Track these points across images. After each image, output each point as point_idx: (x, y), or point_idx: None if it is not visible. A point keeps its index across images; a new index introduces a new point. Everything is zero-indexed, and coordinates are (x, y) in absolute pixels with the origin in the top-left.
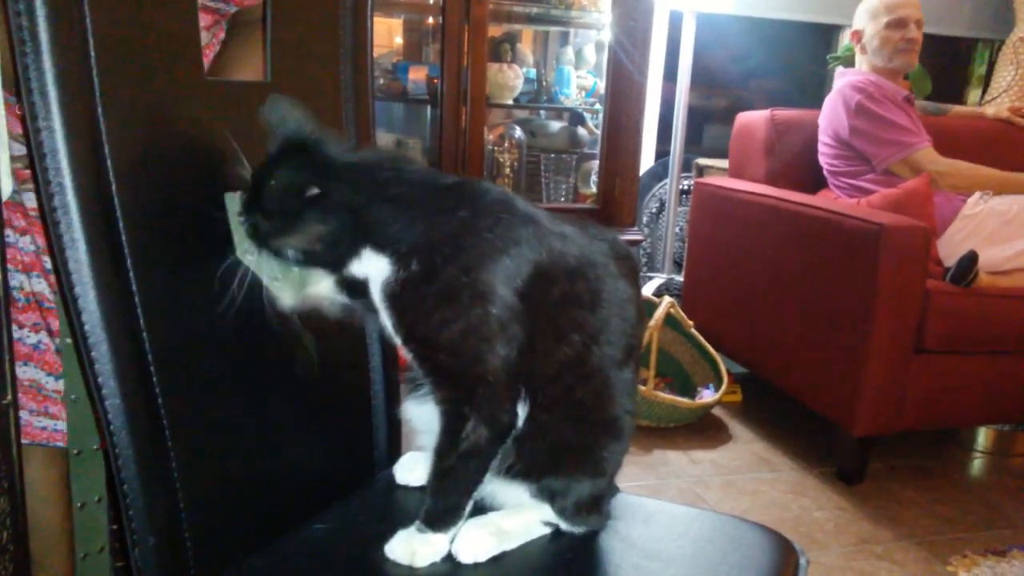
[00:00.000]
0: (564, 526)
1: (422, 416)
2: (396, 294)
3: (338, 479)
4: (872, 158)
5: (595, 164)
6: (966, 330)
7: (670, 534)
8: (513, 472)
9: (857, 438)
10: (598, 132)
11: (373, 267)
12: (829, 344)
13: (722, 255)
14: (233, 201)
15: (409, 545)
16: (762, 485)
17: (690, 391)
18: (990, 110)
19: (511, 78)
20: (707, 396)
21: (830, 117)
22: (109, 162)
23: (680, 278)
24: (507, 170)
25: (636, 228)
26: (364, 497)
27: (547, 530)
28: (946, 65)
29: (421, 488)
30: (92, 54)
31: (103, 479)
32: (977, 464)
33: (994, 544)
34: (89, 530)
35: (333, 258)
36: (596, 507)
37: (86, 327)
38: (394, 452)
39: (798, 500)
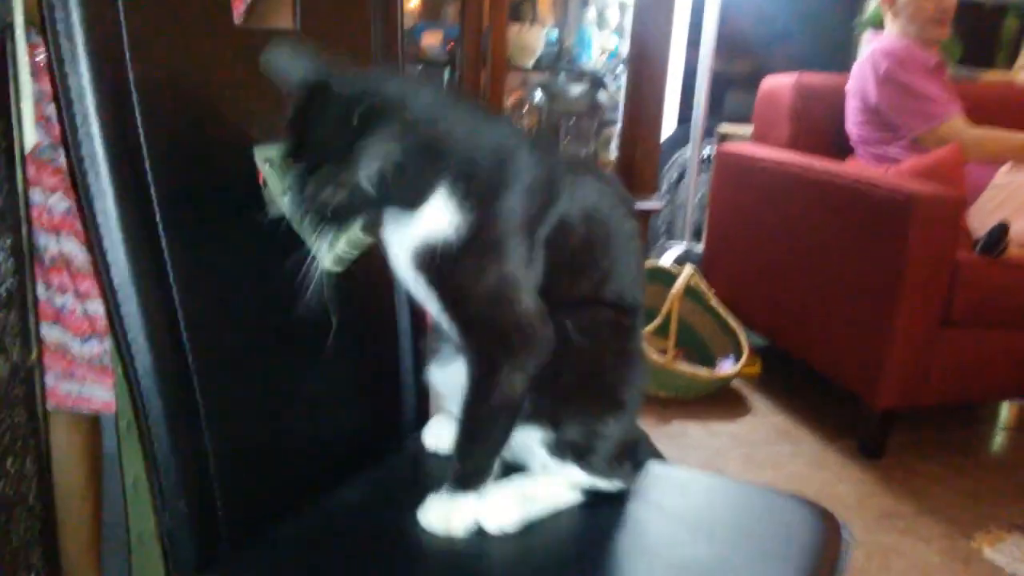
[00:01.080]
0: (593, 482)
1: (447, 380)
2: (450, 246)
3: (367, 445)
4: (901, 127)
5: (616, 130)
6: (994, 302)
7: (708, 505)
8: (527, 415)
9: (880, 411)
10: (619, 97)
11: (434, 214)
12: (853, 315)
13: (744, 224)
14: (264, 153)
15: (443, 511)
16: (782, 458)
17: (709, 362)
18: (1022, 76)
19: (532, 40)
20: (727, 367)
21: (859, 84)
22: (138, 112)
23: (700, 247)
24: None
25: (656, 196)
26: (393, 463)
27: (576, 497)
28: (975, 31)
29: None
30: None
31: None
32: (1000, 440)
33: (1019, 519)
34: (143, 508)
35: (406, 196)
36: (623, 456)
37: (115, 282)
38: (422, 418)
39: (819, 473)
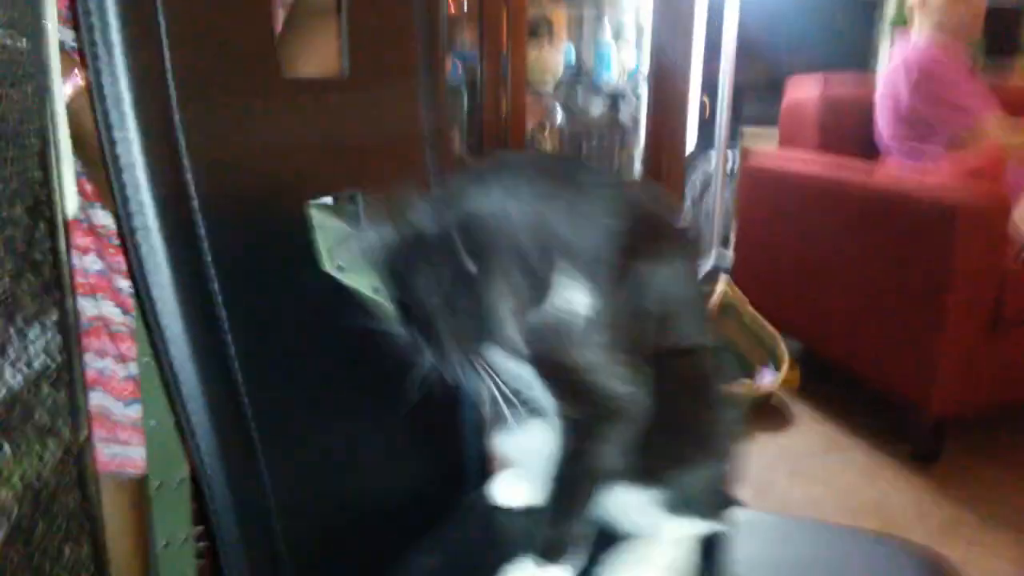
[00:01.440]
0: (699, 527)
1: (521, 446)
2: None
3: (431, 505)
4: (937, 129)
5: (638, 146)
6: None
7: (814, 557)
8: (629, 477)
9: (933, 418)
10: (641, 113)
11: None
12: (899, 323)
13: (776, 233)
14: (317, 211)
15: None
16: (833, 470)
17: (747, 374)
18: None
19: (551, 60)
20: (767, 378)
21: (890, 90)
22: (189, 174)
23: (728, 256)
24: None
25: (682, 212)
26: (462, 522)
27: (683, 553)
28: (994, 34)
29: (523, 511)
30: (167, 56)
31: (189, 515)
32: None
33: None
34: (175, 571)
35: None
36: (721, 495)
37: (172, 353)
38: (483, 476)
39: (874, 484)
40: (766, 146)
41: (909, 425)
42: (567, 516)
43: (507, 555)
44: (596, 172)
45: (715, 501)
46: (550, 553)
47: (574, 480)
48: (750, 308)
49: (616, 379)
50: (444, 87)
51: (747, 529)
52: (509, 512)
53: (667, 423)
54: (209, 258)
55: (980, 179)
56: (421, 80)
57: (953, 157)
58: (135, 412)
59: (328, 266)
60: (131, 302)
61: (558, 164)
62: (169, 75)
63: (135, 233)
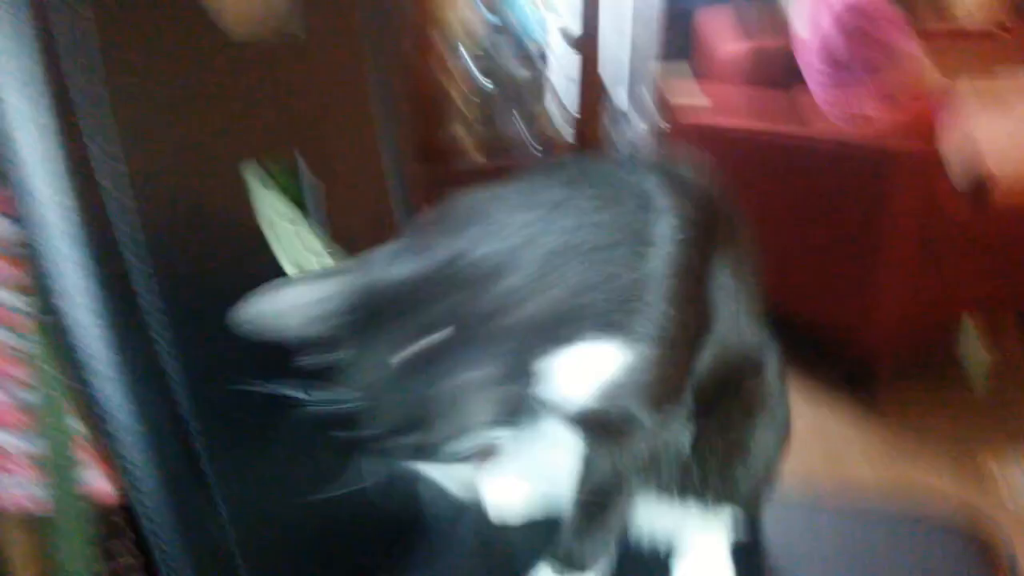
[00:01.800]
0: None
1: (523, 450)
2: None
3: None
4: (864, 68)
5: (560, 103)
6: (974, 238)
7: (851, 547)
8: (683, 490)
9: (869, 351)
10: (566, 74)
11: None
12: (834, 264)
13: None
14: (264, 190)
15: None
16: None
17: None
18: (971, 24)
19: (472, 24)
20: None
21: (815, 26)
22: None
23: None
24: (468, 119)
25: None
26: (451, 539)
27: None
28: None
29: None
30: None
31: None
32: (977, 358)
33: (1016, 430)
34: None
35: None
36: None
37: (92, 375)
38: None
39: (816, 412)
40: (680, 82)
41: (846, 356)
42: (593, 528)
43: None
44: (630, 168)
45: (756, 504)
46: (573, 563)
47: (602, 503)
48: None
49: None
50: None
51: (779, 519)
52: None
53: (717, 440)
54: (128, 251)
55: (912, 122)
56: (369, 42)
57: (883, 98)
58: (25, 444)
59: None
60: (20, 320)
61: (587, 173)
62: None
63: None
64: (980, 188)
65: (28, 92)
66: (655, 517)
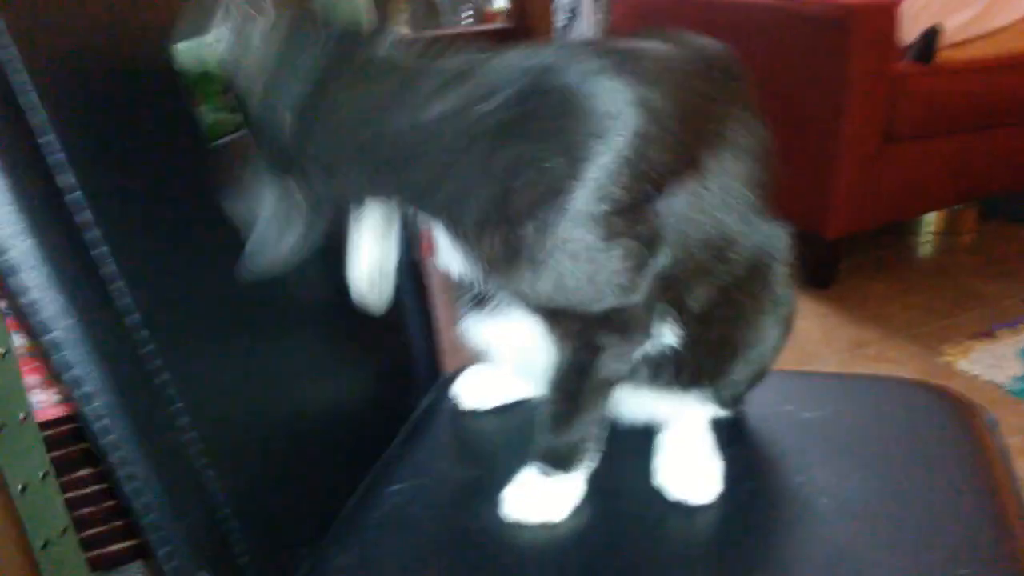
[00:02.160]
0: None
1: (494, 333)
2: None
3: (380, 417)
4: None
5: None
6: (934, 111)
7: (832, 406)
8: (675, 382)
9: (829, 241)
10: None
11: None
12: (793, 146)
13: None
14: (190, 53)
15: (541, 497)
16: None
17: None
18: None
19: None
20: None
21: None
22: None
23: None
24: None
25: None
26: (425, 436)
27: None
28: None
29: (496, 410)
30: None
31: (43, 452)
32: (932, 247)
33: (978, 326)
34: (41, 514)
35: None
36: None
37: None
38: (433, 376)
39: None
40: None
41: (805, 252)
42: (574, 422)
43: (491, 470)
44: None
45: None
46: (560, 462)
47: (580, 390)
48: None
49: (610, 296)
50: None
51: (758, 389)
52: (477, 415)
53: (716, 337)
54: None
55: None
56: None
57: None
58: None
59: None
60: None
61: None
62: None
63: None
64: (929, 45)
65: None
66: (638, 403)
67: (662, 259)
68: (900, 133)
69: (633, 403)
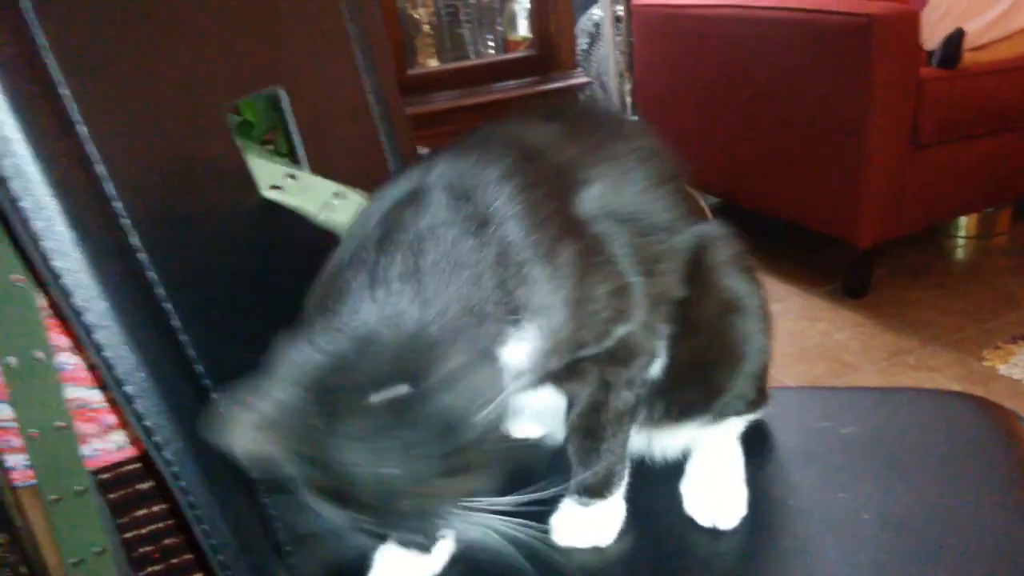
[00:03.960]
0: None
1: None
2: None
3: None
4: None
5: (520, 5)
6: (959, 115)
7: (870, 421)
8: (666, 418)
9: (863, 249)
10: None
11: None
12: (820, 156)
13: (680, 81)
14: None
15: (587, 523)
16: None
17: None
18: None
19: None
20: None
21: None
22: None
23: (629, 115)
24: (425, 28)
25: (580, 70)
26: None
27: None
28: None
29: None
30: None
31: (100, 525)
32: (966, 251)
33: (1017, 329)
34: None
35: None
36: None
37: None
38: None
39: (814, 325)
40: None
41: (838, 261)
42: (603, 455)
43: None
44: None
45: (754, 393)
46: (595, 492)
47: (600, 427)
48: None
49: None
50: None
51: (794, 407)
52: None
53: (694, 348)
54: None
55: None
56: None
57: None
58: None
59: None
60: None
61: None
62: None
63: None
64: (954, 49)
65: None
66: (661, 439)
67: (634, 277)
68: (928, 138)
69: (645, 444)
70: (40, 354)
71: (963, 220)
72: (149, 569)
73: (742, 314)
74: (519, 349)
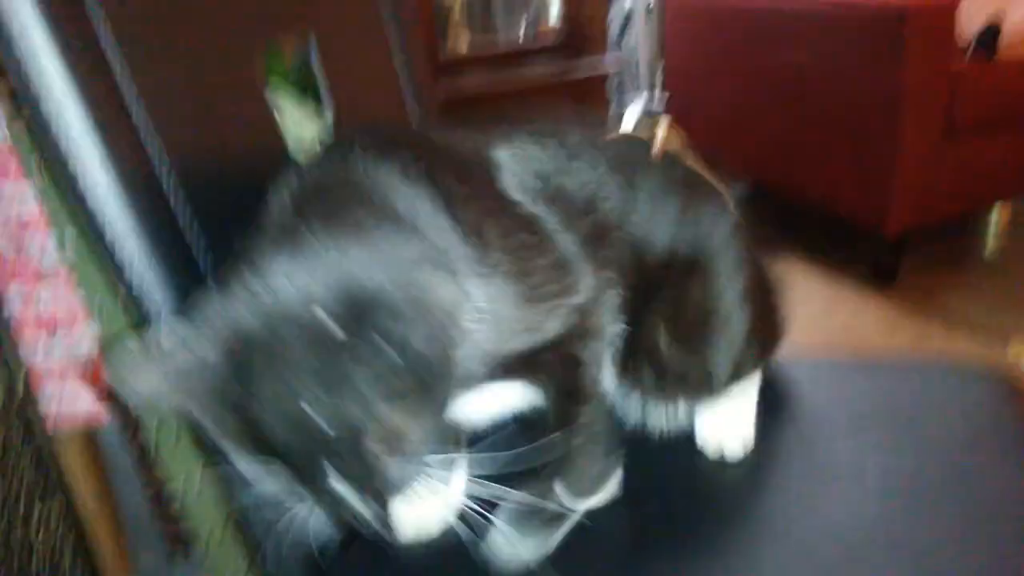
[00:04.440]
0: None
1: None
2: None
3: None
4: None
5: None
6: (994, 106)
7: (884, 389)
8: (671, 393)
9: (892, 237)
10: None
11: None
12: (852, 145)
13: (712, 70)
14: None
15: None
16: (796, 301)
17: None
18: None
19: None
20: None
21: None
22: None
23: (658, 102)
24: (456, 13)
25: (611, 56)
26: None
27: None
28: None
29: None
30: None
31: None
32: (996, 242)
33: None
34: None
35: None
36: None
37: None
38: None
39: (840, 310)
40: None
41: (866, 247)
42: (588, 456)
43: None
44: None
45: (761, 344)
46: (586, 492)
47: (576, 412)
48: (690, 155)
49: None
50: None
51: (809, 373)
52: None
53: (680, 312)
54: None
55: None
56: None
57: None
58: (58, 352)
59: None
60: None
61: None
62: None
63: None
64: (990, 41)
65: None
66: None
67: (570, 245)
68: (961, 129)
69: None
70: None
71: (994, 211)
72: None
73: (708, 275)
74: (473, 329)
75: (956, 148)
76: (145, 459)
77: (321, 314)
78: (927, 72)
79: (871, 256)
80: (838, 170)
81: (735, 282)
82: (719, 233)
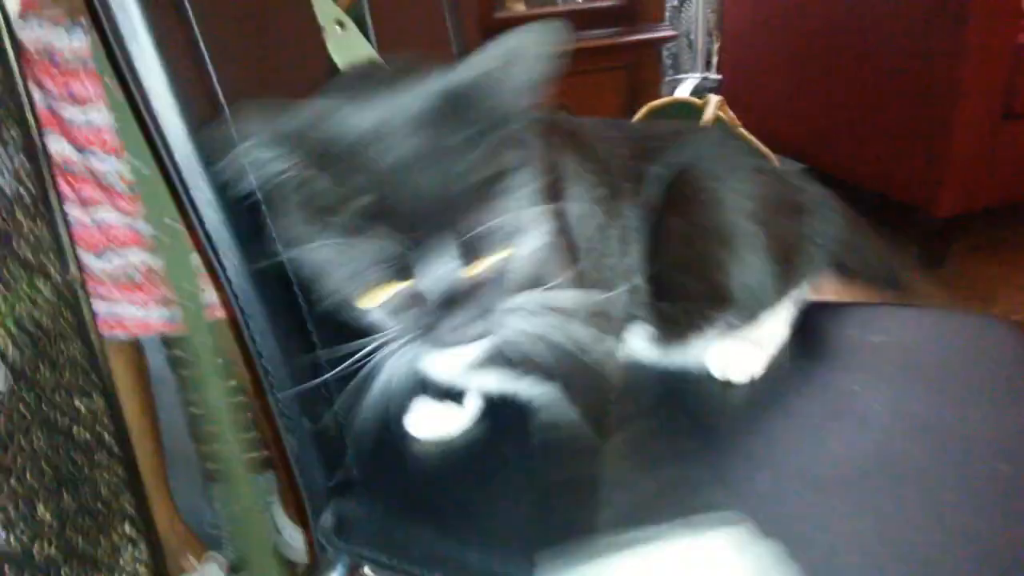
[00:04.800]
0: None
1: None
2: None
3: None
4: None
5: None
6: None
7: (900, 332)
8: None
9: (942, 220)
10: None
11: None
12: (906, 122)
13: (768, 44)
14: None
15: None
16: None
17: None
18: None
19: None
20: None
21: None
22: None
23: (713, 75)
24: None
25: (667, 24)
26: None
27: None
28: None
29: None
30: None
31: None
32: None
33: None
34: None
35: None
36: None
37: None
38: None
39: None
40: None
41: (915, 229)
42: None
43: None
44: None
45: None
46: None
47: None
48: (743, 131)
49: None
50: None
51: (830, 316)
52: None
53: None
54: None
55: None
56: None
57: None
58: (109, 264)
59: None
60: (91, 136)
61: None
62: None
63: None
64: None
65: None
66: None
67: None
68: (1022, 109)
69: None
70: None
71: None
72: None
73: (715, 207)
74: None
75: (1015, 129)
76: (186, 383)
77: None
78: (989, 44)
79: (920, 239)
80: (892, 148)
81: (741, 202)
82: (720, 154)
